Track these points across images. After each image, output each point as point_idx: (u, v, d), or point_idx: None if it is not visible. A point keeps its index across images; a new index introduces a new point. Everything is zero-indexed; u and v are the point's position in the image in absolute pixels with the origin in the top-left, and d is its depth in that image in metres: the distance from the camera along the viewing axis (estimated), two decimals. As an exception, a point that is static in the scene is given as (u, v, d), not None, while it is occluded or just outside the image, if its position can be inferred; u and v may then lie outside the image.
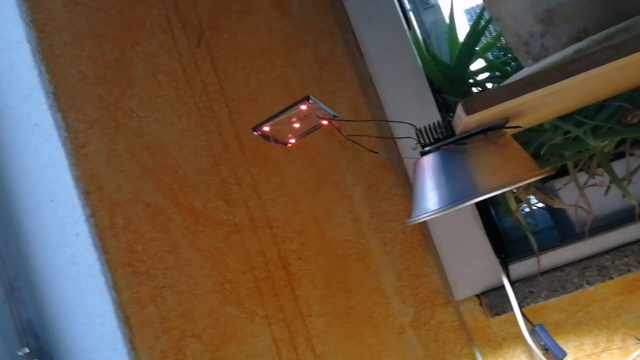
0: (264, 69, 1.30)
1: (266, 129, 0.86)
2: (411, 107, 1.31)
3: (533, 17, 0.89)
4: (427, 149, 0.83)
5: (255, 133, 0.86)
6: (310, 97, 0.83)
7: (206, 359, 1.10)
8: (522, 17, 0.91)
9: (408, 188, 1.31)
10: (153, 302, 1.08)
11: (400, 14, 1.37)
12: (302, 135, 0.95)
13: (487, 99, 0.66)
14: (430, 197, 0.81)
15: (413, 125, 0.83)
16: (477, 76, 1.41)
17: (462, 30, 1.46)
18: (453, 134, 0.82)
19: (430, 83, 1.36)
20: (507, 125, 0.81)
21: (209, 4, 1.28)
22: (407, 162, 1.30)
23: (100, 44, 1.12)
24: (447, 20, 1.56)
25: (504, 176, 0.77)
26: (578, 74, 0.65)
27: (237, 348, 1.13)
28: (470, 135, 0.80)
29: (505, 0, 0.93)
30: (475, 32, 1.35)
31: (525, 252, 1.26)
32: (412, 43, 1.35)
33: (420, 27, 1.53)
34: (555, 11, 0.87)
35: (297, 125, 0.90)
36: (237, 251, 1.16)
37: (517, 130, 0.83)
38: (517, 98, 0.66)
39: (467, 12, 1.67)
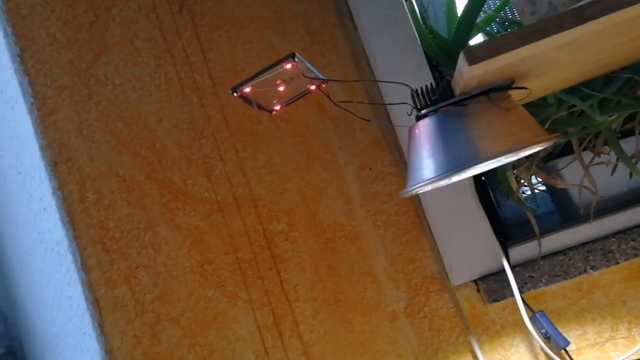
0: (251, 39, 1.23)
1: (247, 90, 0.79)
2: (407, 82, 1.23)
3: (540, -28, 0.82)
4: (423, 111, 0.75)
5: (235, 94, 0.78)
6: (296, 54, 0.76)
7: (184, 344, 1.02)
8: (528, -27, 0.84)
9: (403, 167, 1.23)
10: (126, 282, 1.00)
11: (397, -16, 1.29)
12: (288, 101, 0.88)
13: (492, 47, 0.58)
14: (426, 165, 0.73)
15: (408, 86, 0.76)
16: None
17: (461, 3, 1.39)
18: (452, 95, 0.75)
19: (427, 58, 1.28)
20: (513, 86, 0.74)
21: (193, -31, 1.20)
22: (402, 139, 1.22)
23: (73, 6, 1.04)
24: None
25: (508, 141, 0.70)
26: (595, 19, 0.57)
27: (218, 334, 1.06)
28: (471, 96, 0.73)
29: (510, -45, 0.85)
30: (475, 4, 1.27)
31: (525, 236, 1.19)
32: (409, 15, 1.28)
33: (417, 0, 1.46)
34: (565, -35, 0.80)
35: (282, 88, 0.83)
36: (219, 231, 1.08)
37: (524, 92, 0.76)
38: (526, 47, 0.59)
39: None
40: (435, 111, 0.74)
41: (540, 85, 0.87)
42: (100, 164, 0.99)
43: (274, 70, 0.77)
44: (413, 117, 0.80)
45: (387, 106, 1.20)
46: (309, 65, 0.79)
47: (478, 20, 1.30)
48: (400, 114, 1.18)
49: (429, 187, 0.78)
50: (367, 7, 1.27)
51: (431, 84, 0.75)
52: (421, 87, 0.76)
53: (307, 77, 0.77)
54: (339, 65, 1.28)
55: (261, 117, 1.17)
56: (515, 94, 0.76)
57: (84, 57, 1.03)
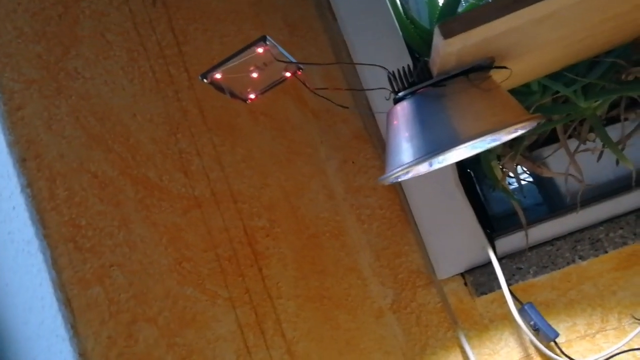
0: (228, 32, 1.20)
1: (218, 76, 0.76)
2: (381, 74, 1.20)
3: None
4: (400, 94, 0.73)
5: (204, 80, 0.75)
6: (267, 37, 0.73)
7: (162, 345, 0.99)
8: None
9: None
10: (99, 282, 0.97)
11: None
12: (263, 89, 0.85)
13: (468, 19, 0.56)
14: (404, 149, 0.71)
15: (385, 69, 0.73)
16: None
17: (443, -5, 1.36)
18: (430, 77, 0.72)
19: (410, 49, 1.26)
20: (494, 66, 0.71)
21: (167, -39, 1.17)
22: (384, 130, 1.20)
23: (41, -2, 1.01)
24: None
25: (488, 122, 0.67)
26: (574, -14, 0.55)
27: (197, 333, 1.02)
28: (450, 77, 0.70)
29: None
30: (456, -8, 1.25)
31: (512, 227, 1.17)
32: (389, 5, 1.25)
33: (397, -8, 1.43)
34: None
35: (255, 75, 0.80)
36: (197, 227, 1.05)
37: (505, 73, 0.73)
38: (503, 19, 0.56)
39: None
40: (413, 93, 0.72)
41: (522, 69, 0.84)
42: (70, 160, 0.96)
43: (244, 54, 0.74)
44: (392, 101, 0.78)
45: (368, 95, 1.18)
46: (282, 50, 0.76)
47: (460, 9, 1.27)
48: (382, 102, 1.16)
49: (409, 174, 0.75)
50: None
51: (408, 65, 0.73)
52: (398, 69, 0.73)
53: (280, 61, 0.74)
54: (319, 57, 1.25)
55: (239, 110, 1.14)
56: (497, 76, 0.74)
57: (52, 51, 1.00)
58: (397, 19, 1.24)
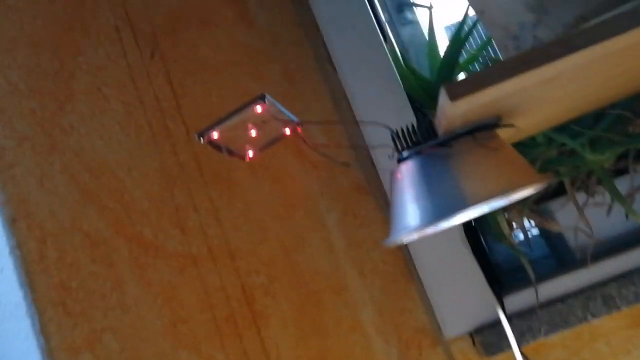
0: (226, 85, 1.18)
1: (215, 135, 0.73)
2: (390, 124, 1.18)
3: (523, 4, 0.78)
4: (405, 154, 0.70)
5: (201, 140, 0.72)
6: (267, 95, 0.70)
7: (155, 414, 0.94)
8: (510, 6, 0.80)
9: (388, 213, 1.17)
10: (90, 348, 0.92)
11: (376, 26, 1.26)
12: (262, 147, 0.82)
13: (474, 82, 0.53)
14: (410, 212, 0.67)
15: (388, 127, 0.70)
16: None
17: (443, 44, 1.36)
18: (435, 136, 0.69)
19: (410, 100, 1.24)
20: (500, 124, 0.69)
21: (165, 15, 1.16)
22: (386, 183, 1.17)
23: (37, 53, 0.99)
24: (427, 35, 1.46)
25: (497, 183, 0.64)
26: (584, 48, 0.53)
27: (193, 400, 0.97)
28: (455, 136, 0.67)
29: (490, -11, 0.82)
30: (457, 42, 1.24)
31: (521, 283, 1.12)
32: (389, 56, 1.24)
33: (397, 43, 1.42)
34: (548, -3, 0.77)
35: (254, 133, 0.77)
36: (193, 286, 1.01)
37: (511, 130, 0.71)
38: (510, 81, 0.54)
39: (448, 29, 1.57)
40: (418, 153, 0.69)
41: (528, 123, 0.82)
42: (62, 218, 0.93)
43: (242, 113, 0.71)
44: (396, 160, 0.75)
45: (370, 149, 1.15)
46: (282, 108, 0.74)
47: (460, 60, 1.26)
48: (383, 157, 1.13)
49: (414, 236, 0.72)
50: (347, 49, 1.24)
51: (412, 124, 0.70)
52: (402, 128, 0.71)
53: (279, 119, 0.71)
54: (319, 109, 1.24)
55: (237, 163, 1.12)
56: (502, 133, 0.71)
57: (47, 106, 0.98)
58: (397, 69, 1.23)
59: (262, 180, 1.14)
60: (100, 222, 0.96)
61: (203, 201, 1.06)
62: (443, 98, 0.55)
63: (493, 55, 1.29)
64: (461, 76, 1.33)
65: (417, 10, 1.50)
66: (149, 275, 0.97)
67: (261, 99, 0.70)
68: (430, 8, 1.35)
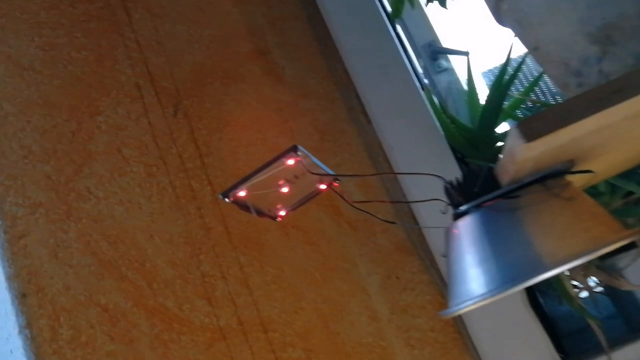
0: (254, 141, 1.11)
1: (242, 193, 0.64)
2: (430, 186, 1.08)
3: (585, 37, 0.69)
4: (463, 208, 0.60)
5: (226, 200, 0.64)
6: (299, 147, 0.62)
7: None
8: (570, 39, 0.71)
9: (435, 274, 1.07)
10: None
11: (412, 73, 1.19)
12: (295, 205, 0.73)
13: (556, 117, 0.44)
14: (473, 277, 0.57)
15: (441, 177, 0.61)
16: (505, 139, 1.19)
17: (482, 93, 1.27)
18: (496, 186, 0.60)
19: (452, 150, 1.15)
20: (574, 170, 0.59)
21: (188, 71, 1.10)
22: (431, 241, 1.06)
23: (52, 115, 0.93)
24: (464, 83, 1.39)
25: (580, 240, 0.54)
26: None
27: None
28: (522, 186, 0.57)
29: (545, 22, 0.73)
30: (500, 88, 1.15)
31: (586, 348, 0.99)
32: (428, 104, 1.16)
33: (433, 91, 1.35)
34: (615, 25, 0.67)
35: (285, 189, 0.68)
36: (222, 364, 0.91)
37: (585, 176, 0.60)
38: (600, 115, 0.44)
39: (485, 75, 1.50)
40: (478, 206, 0.59)
41: (600, 168, 0.71)
42: (77, 292, 0.84)
43: (272, 168, 0.63)
44: (447, 216, 0.65)
45: (412, 206, 1.05)
46: (316, 160, 0.65)
47: (504, 106, 1.17)
48: (427, 213, 1.03)
49: (481, 303, 0.61)
50: (382, 99, 1.16)
51: (469, 172, 0.60)
52: (456, 179, 0.61)
53: (314, 174, 0.62)
54: (354, 163, 1.15)
55: (268, 225, 1.03)
56: (575, 181, 0.61)
57: (63, 170, 0.91)
58: (437, 118, 1.14)
59: (295, 243, 1.05)
60: (119, 295, 0.87)
61: (232, 268, 0.97)
62: (514, 139, 0.46)
63: (542, 98, 1.20)
64: (504, 125, 1.24)
65: (451, 57, 1.43)
66: (172, 353, 0.87)
67: (293, 150, 0.61)
68: (467, 54, 1.27)
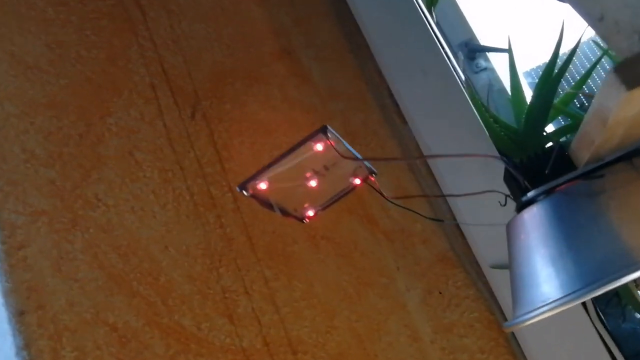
0: (279, 145, 1.01)
1: (263, 186, 0.55)
2: (476, 179, 0.98)
3: (664, -4, 0.59)
4: (530, 194, 0.49)
5: (244, 193, 0.54)
6: (329, 128, 0.52)
7: None
8: (645, 1, 0.61)
9: (483, 288, 0.95)
10: None
11: (452, 70, 1.09)
12: (325, 203, 0.63)
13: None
14: (546, 278, 0.46)
15: (501, 159, 0.51)
16: (556, 139, 1.08)
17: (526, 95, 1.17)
18: (571, 167, 0.49)
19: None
20: (669, 143, 0.48)
21: (207, 71, 1.02)
22: (478, 248, 0.95)
23: (58, 116, 0.85)
24: (505, 83, 1.29)
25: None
26: None
27: None
28: (606, 164, 0.47)
29: (612, -16, 0.63)
30: (549, 83, 1.05)
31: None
32: (470, 103, 1.05)
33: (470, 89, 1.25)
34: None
35: (314, 183, 0.59)
36: (246, 391, 0.80)
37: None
38: None
39: (527, 75, 1.39)
40: (550, 192, 0.48)
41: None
42: (83, 309, 0.75)
43: (298, 154, 0.53)
44: (500, 214, 0.54)
45: (453, 205, 0.95)
46: (348, 146, 0.55)
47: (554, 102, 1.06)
48: (473, 212, 0.92)
49: (555, 311, 0.50)
50: (419, 98, 1.06)
51: (535, 153, 0.50)
52: (521, 159, 0.50)
53: (346, 157, 0.53)
54: (388, 167, 1.05)
55: (296, 235, 0.93)
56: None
57: (69, 176, 0.83)
58: (480, 118, 1.04)
59: (326, 255, 0.94)
60: (130, 312, 0.77)
61: (255, 282, 0.87)
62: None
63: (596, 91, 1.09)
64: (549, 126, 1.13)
65: (490, 56, 1.33)
66: (190, 378, 0.77)
67: (322, 132, 0.51)
68: (509, 51, 1.17)
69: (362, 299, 0.94)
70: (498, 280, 0.93)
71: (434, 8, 1.05)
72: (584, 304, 0.86)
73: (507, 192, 0.55)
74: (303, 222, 0.63)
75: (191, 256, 0.85)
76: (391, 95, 1.10)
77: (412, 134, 1.06)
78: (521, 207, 0.50)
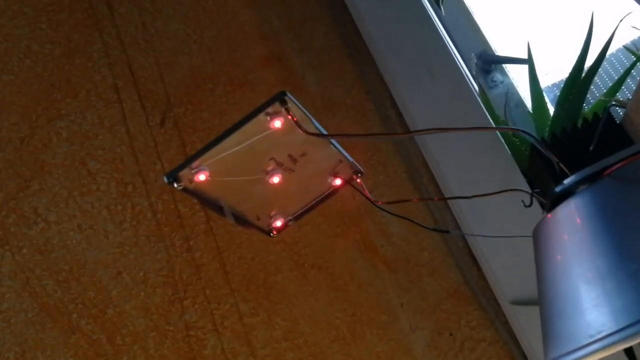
0: (264, 159, 0.88)
1: (202, 177, 0.41)
2: (491, 182, 0.83)
3: None
4: (568, 182, 0.35)
5: (175, 186, 0.40)
6: (288, 94, 0.38)
7: None
8: None
9: (502, 328, 0.80)
10: None
11: (465, 76, 0.95)
12: (298, 210, 0.49)
13: None
14: (594, 302, 0.31)
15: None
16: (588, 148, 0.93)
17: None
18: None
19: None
20: None
21: (182, 74, 0.90)
22: (496, 280, 0.80)
23: (-2, 117, 0.73)
24: (523, 95, 1.16)
25: None
26: None
27: None
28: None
29: None
30: (577, 89, 0.90)
31: None
32: (486, 113, 0.92)
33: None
34: None
35: (276, 179, 0.44)
36: None
37: None
38: None
39: (547, 91, 1.25)
40: (595, 177, 0.34)
41: None
42: (6, 348, 0.61)
43: (248, 132, 0.39)
44: (521, 220, 0.40)
45: (460, 217, 0.80)
46: (316, 123, 0.42)
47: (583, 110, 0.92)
48: (483, 224, 0.77)
49: (610, 350, 0.34)
50: (426, 108, 0.92)
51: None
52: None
53: (308, 133, 0.39)
54: (392, 186, 0.91)
55: (280, 263, 0.78)
56: None
57: (3, 185, 0.69)
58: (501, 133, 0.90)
59: (315, 287, 0.80)
60: (66, 353, 0.63)
61: (228, 318, 0.72)
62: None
63: (629, 97, 0.94)
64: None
65: (508, 68, 1.20)
66: None
67: (279, 99, 0.37)
68: (529, 59, 1.03)
69: (357, 341, 0.78)
70: (521, 320, 0.78)
71: (442, 2, 0.92)
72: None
73: (529, 191, 0.40)
74: (270, 235, 0.48)
75: (149, 285, 0.70)
76: (394, 105, 0.97)
77: (418, 148, 0.92)
78: (554, 202, 0.36)
